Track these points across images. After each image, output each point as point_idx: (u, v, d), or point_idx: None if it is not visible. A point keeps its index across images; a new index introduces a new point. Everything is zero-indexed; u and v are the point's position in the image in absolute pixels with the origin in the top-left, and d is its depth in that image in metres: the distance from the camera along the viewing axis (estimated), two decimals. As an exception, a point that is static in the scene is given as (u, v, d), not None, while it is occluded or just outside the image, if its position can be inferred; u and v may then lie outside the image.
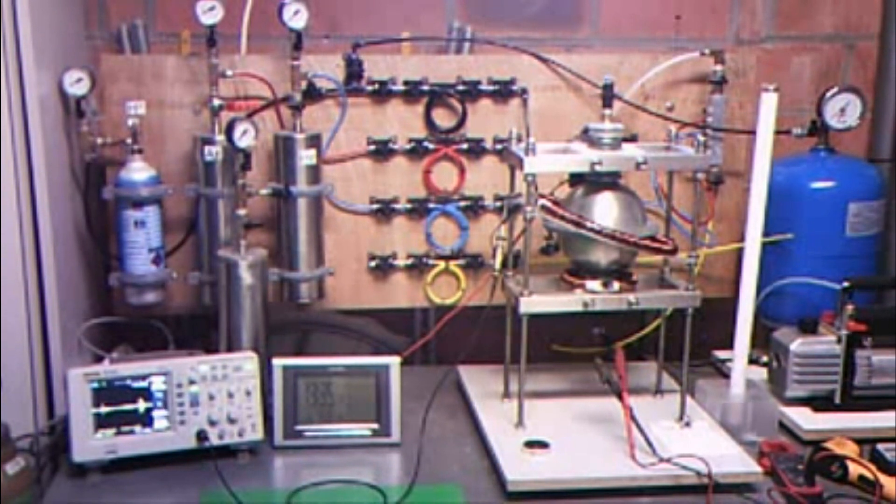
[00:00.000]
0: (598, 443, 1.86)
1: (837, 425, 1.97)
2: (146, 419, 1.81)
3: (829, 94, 2.17)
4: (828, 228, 2.18)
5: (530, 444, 1.84)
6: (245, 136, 1.95)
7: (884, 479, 1.73)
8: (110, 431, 1.79)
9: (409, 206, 2.26)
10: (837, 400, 2.03)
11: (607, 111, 1.94)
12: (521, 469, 1.77)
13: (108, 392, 1.79)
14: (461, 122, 2.23)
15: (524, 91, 2.23)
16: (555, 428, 1.91)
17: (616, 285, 1.91)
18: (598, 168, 1.85)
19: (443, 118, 2.24)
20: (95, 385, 1.78)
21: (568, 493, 1.73)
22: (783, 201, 2.15)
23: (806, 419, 1.99)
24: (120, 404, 1.79)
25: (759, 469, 1.78)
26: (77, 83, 1.97)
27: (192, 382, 1.82)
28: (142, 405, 1.81)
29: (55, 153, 1.94)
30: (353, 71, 2.18)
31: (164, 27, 2.25)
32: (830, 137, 2.22)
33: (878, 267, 2.28)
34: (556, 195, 1.95)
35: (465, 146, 2.25)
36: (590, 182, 1.92)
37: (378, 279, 2.29)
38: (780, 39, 2.44)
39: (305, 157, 2.08)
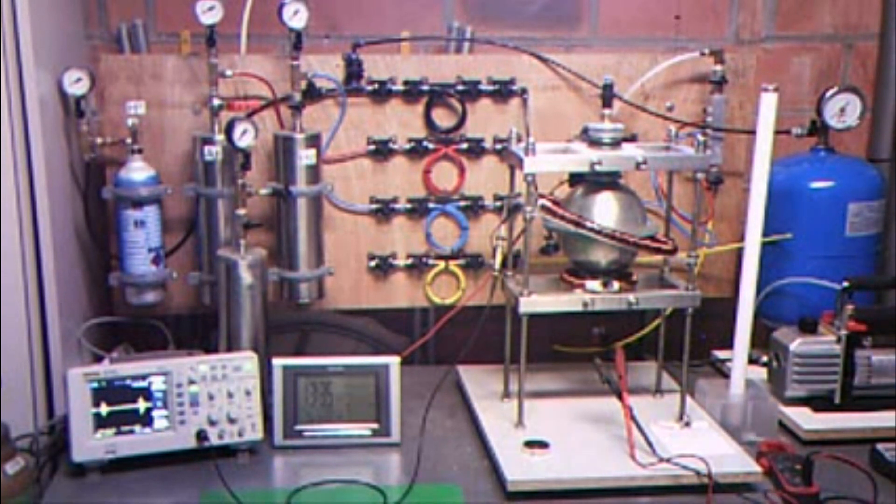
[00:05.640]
0: (598, 443, 1.86)
1: (837, 425, 1.97)
2: (146, 419, 1.81)
3: (828, 94, 2.16)
4: (828, 228, 2.18)
5: (530, 444, 1.84)
6: (245, 136, 1.95)
7: None
8: (110, 431, 1.79)
9: (408, 205, 2.26)
10: (837, 400, 2.02)
11: (607, 111, 1.94)
12: (521, 469, 1.77)
13: (107, 392, 1.79)
14: (461, 122, 2.23)
15: (524, 91, 2.23)
16: (555, 428, 1.91)
17: (616, 285, 1.91)
18: (597, 168, 1.85)
19: (442, 118, 2.24)
20: (95, 385, 1.78)
21: (568, 493, 1.73)
22: (783, 201, 2.15)
23: (806, 419, 1.99)
24: (120, 404, 1.79)
25: (758, 469, 1.78)
26: (77, 83, 1.97)
27: (191, 382, 1.82)
28: (141, 405, 1.81)
29: (55, 153, 1.94)
30: (353, 71, 2.17)
31: (164, 27, 2.25)
32: (830, 137, 2.21)
33: (878, 267, 2.28)
34: (556, 195, 1.96)
35: (464, 146, 2.25)
36: (590, 182, 1.92)
37: (378, 279, 2.29)
38: (780, 39, 2.44)
39: (305, 156, 2.08)
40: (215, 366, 1.84)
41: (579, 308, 1.89)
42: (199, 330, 2.29)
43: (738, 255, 2.12)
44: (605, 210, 1.88)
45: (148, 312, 2.19)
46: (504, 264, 1.99)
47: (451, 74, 2.22)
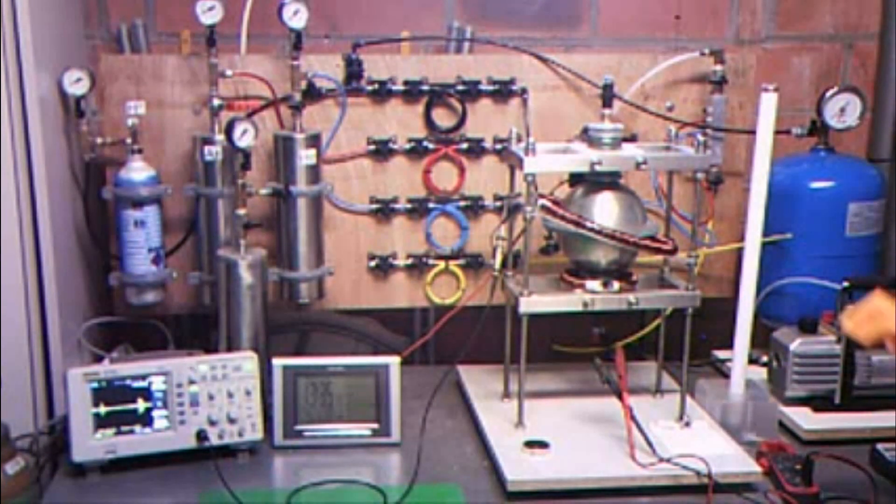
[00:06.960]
0: (598, 443, 1.86)
1: (837, 425, 1.97)
2: (146, 419, 1.81)
3: (828, 94, 2.17)
4: (828, 228, 2.18)
5: (530, 444, 1.84)
6: (245, 136, 1.95)
7: None
8: (110, 431, 1.79)
9: (409, 205, 2.26)
10: (837, 400, 2.02)
11: (607, 111, 1.94)
12: (521, 469, 1.77)
13: (107, 392, 1.79)
14: (461, 121, 2.23)
15: (524, 91, 2.23)
16: (555, 428, 1.91)
17: (616, 285, 1.91)
18: (597, 168, 1.85)
19: (443, 118, 2.24)
20: (95, 385, 1.78)
21: (568, 493, 1.73)
22: (783, 201, 2.15)
23: (806, 419, 1.99)
24: (120, 404, 1.79)
25: (758, 469, 1.78)
26: (77, 83, 1.97)
27: (191, 382, 1.82)
28: (141, 405, 1.81)
29: (55, 153, 1.94)
30: (353, 71, 2.17)
31: (164, 27, 2.25)
32: (830, 137, 2.21)
33: (878, 267, 2.28)
34: (556, 195, 1.95)
35: (464, 146, 2.24)
36: (590, 182, 1.91)
37: (378, 279, 2.29)
38: (780, 39, 2.44)
39: (305, 156, 2.08)
40: (215, 366, 1.84)
41: (579, 308, 1.89)
42: (199, 330, 2.29)
43: (738, 255, 2.12)
44: (605, 210, 1.88)
45: (148, 312, 2.19)
46: (504, 264, 1.99)
47: (451, 74, 2.22)
